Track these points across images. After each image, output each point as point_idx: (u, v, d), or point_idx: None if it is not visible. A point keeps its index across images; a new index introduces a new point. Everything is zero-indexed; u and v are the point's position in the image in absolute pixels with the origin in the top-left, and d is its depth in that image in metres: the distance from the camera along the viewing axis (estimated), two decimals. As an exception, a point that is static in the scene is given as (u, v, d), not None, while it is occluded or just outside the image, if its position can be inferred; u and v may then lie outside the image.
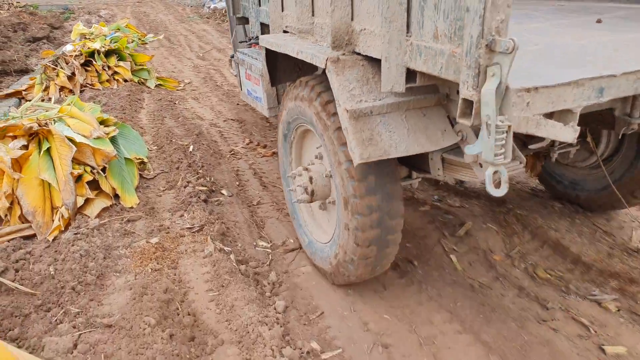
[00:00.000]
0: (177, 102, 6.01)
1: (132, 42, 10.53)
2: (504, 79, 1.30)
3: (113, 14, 15.02)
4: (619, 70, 1.51)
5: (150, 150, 4.27)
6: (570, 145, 2.75)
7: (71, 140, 3.22)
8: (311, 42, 2.25)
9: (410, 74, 1.69)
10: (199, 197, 3.36)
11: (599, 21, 2.32)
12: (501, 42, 1.27)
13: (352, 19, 1.94)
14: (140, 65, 7.03)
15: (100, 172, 3.24)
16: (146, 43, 11.11)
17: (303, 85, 2.34)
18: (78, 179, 3.11)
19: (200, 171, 3.77)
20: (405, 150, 1.83)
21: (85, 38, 9.70)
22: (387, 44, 1.66)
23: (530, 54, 1.80)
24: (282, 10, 2.66)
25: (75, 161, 3.23)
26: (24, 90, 6.36)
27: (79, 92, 6.17)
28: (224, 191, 3.61)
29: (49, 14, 14.15)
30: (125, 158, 3.60)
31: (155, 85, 6.81)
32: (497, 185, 1.44)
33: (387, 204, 2.13)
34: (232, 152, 4.42)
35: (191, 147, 4.28)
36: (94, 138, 3.38)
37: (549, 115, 1.53)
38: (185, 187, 3.50)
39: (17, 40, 10.77)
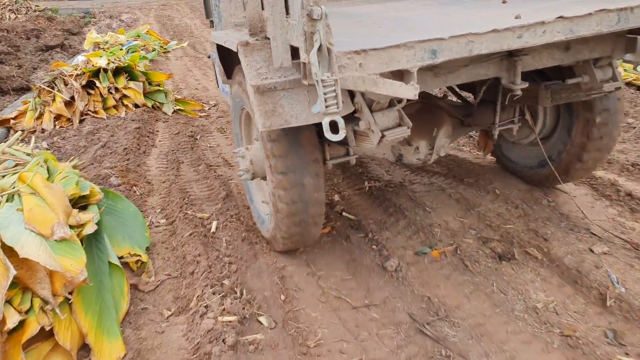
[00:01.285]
0: (199, 137, 4.70)
1: (152, 50, 9.37)
2: (324, 42, 1.48)
3: (135, 18, 13.94)
4: (447, 34, 1.63)
5: (157, 226, 2.97)
6: (512, 122, 2.95)
7: (11, 251, 1.92)
8: (243, 34, 2.34)
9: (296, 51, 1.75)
10: (224, 341, 2.03)
11: (504, 2, 2.46)
12: (315, 11, 1.46)
13: (262, 9, 2.07)
14: (156, 85, 5.77)
15: (58, 309, 1.92)
16: (168, 52, 9.91)
17: (238, 70, 2.50)
18: (13, 329, 1.80)
19: (227, 280, 2.43)
20: (305, 120, 1.95)
21: (99, 48, 8.56)
22: (273, 25, 1.79)
23: (384, 25, 2.06)
24: (230, 9, 2.83)
25: (21, 286, 1.94)
26: (12, 119, 5.16)
27: (78, 121, 4.94)
28: (262, 318, 2.25)
29: (68, 19, 13.14)
30: (110, 263, 2.29)
31: (174, 111, 5.53)
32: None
33: (308, 179, 2.28)
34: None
35: (214, 225, 2.95)
36: (56, 240, 2.08)
37: (398, 77, 1.71)
38: (202, 318, 2.16)
39: (28, 49, 9.72)
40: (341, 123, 1.58)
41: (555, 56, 2.20)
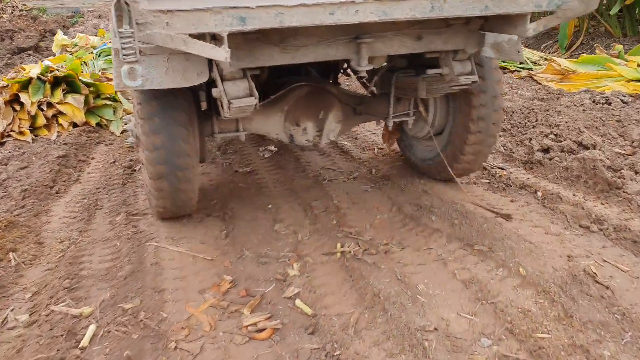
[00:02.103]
0: (138, 168, 3.72)
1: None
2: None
3: (127, 18, 13.06)
4: (255, 4, 1.67)
5: (11, 328, 1.97)
6: (407, 115, 3.05)
7: None
8: None
9: None
10: None
11: None
12: None
13: None
14: (107, 97, 4.80)
15: None
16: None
17: None
18: None
19: None
20: (159, 84, 1.98)
21: (66, 51, 7.64)
22: None
23: None
24: None
25: None
26: None
27: (-4, 146, 3.99)
28: None
29: (53, 19, 12.30)
30: None
31: (124, 130, 4.55)
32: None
33: (173, 143, 2.35)
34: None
35: (89, 333, 1.92)
36: None
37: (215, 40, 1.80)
38: None
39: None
40: (139, 70, 1.80)
41: (407, 44, 2.27)
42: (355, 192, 3.25)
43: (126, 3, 1.58)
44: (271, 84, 2.93)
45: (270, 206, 3.09)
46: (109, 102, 4.69)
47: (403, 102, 3.02)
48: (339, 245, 2.58)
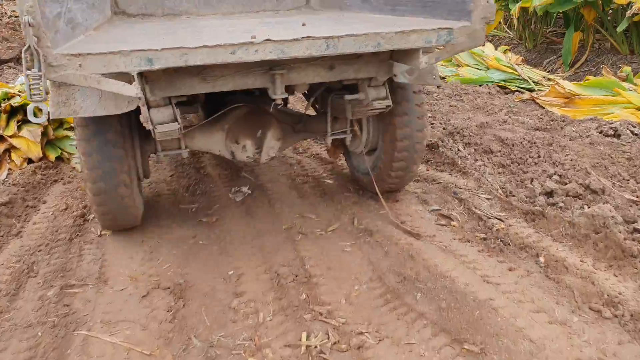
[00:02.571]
0: (93, 216, 3.32)
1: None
2: (32, 44, 1.65)
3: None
4: (161, 47, 1.82)
5: None
6: (344, 132, 3.19)
7: None
8: None
9: None
10: None
11: (304, 24, 2.45)
12: (26, 19, 1.62)
13: None
14: (71, 127, 4.39)
15: None
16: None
17: None
18: None
19: None
20: (93, 112, 2.24)
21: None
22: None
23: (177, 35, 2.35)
24: None
25: None
26: None
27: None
28: None
29: (39, 27, 11.90)
30: None
31: (85, 164, 4.13)
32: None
33: (109, 163, 2.57)
34: None
35: None
36: None
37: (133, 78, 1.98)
38: None
39: (-24, 65, 8.47)
40: (45, 109, 1.90)
41: (321, 74, 2.44)
42: (332, 253, 2.84)
43: (36, 50, 1.68)
44: (218, 103, 3.04)
45: (231, 272, 2.68)
46: (71, 134, 4.29)
47: (340, 121, 3.14)
48: (304, 335, 2.17)
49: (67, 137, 4.29)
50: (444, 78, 6.57)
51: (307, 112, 3.38)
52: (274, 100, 2.51)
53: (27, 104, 4.19)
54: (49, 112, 2.07)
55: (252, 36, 1.96)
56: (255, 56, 1.93)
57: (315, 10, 3.82)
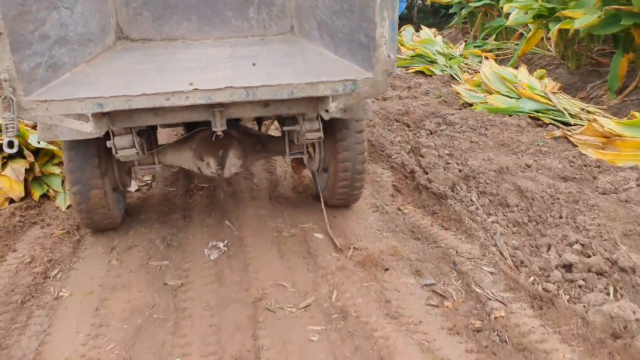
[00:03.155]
0: (56, 272, 3.09)
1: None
2: (8, 94, 2.12)
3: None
4: (108, 94, 2.27)
5: None
6: (301, 153, 3.59)
7: None
8: None
9: None
10: None
11: (254, 64, 2.90)
12: (2, 75, 2.08)
13: None
14: (59, 164, 4.22)
15: None
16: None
17: None
18: None
19: None
20: (70, 137, 2.86)
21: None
22: None
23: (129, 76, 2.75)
24: None
25: None
26: None
27: None
28: None
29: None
30: None
31: (69, 206, 3.94)
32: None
33: (87, 177, 3.13)
34: None
35: None
36: None
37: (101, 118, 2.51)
38: None
39: None
40: (15, 142, 2.22)
41: (257, 110, 2.81)
42: (295, 342, 2.48)
43: (11, 98, 2.12)
44: (190, 126, 3.57)
45: (177, 361, 2.37)
46: (57, 170, 4.11)
47: (298, 142, 3.39)
48: None
49: (53, 174, 4.12)
50: (471, 105, 6.05)
51: (267, 134, 3.84)
52: (216, 130, 2.79)
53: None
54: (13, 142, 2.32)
55: (190, 83, 2.35)
56: (186, 101, 2.31)
57: (293, 38, 4.27)
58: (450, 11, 10.60)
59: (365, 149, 3.44)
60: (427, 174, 4.31)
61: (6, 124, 2.16)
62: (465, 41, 10.21)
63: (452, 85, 6.71)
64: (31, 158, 4.02)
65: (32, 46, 2.37)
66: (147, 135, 3.22)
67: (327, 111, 2.66)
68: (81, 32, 3.19)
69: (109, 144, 2.81)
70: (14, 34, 2.20)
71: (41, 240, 3.47)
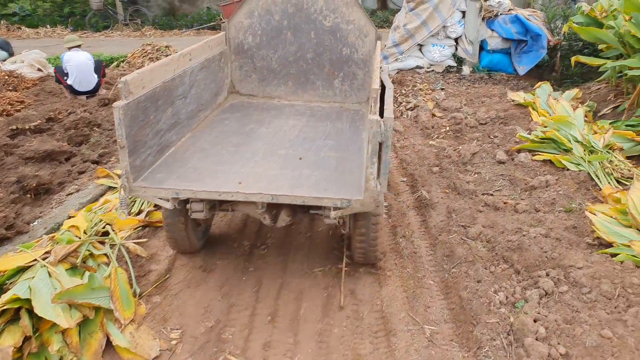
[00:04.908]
0: None
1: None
2: (124, 183, 3.38)
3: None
4: (182, 188, 3.41)
5: None
6: (335, 219, 3.92)
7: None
8: None
9: None
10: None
11: (300, 158, 4.02)
12: (121, 184, 3.39)
13: None
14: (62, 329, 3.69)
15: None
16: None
17: None
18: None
19: None
20: (162, 204, 3.69)
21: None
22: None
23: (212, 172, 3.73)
24: None
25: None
26: None
27: None
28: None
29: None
30: None
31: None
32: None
33: (176, 227, 4.30)
34: None
35: None
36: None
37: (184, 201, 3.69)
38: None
39: None
40: (126, 213, 3.70)
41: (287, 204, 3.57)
42: None
43: (125, 185, 3.37)
44: None
45: None
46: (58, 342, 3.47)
47: None
48: None
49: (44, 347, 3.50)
50: (609, 245, 4.57)
51: None
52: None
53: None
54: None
55: (239, 182, 3.50)
56: (231, 198, 3.39)
57: (366, 109, 5.23)
58: (601, 69, 8.71)
59: (378, 236, 4.06)
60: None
61: (122, 201, 3.37)
62: (617, 108, 8.29)
63: (586, 210, 5.20)
64: (28, 330, 3.49)
65: (146, 144, 3.42)
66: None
67: (328, 217, 3.54)
68: (192, 109, 4.22)
69: (187, 206, 3.75)
70: (133, 143, 3.21)
71: None
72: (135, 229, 5.14)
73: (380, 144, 3.06)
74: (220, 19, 19.71)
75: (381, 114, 3.35)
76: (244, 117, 4.90)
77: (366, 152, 3.12)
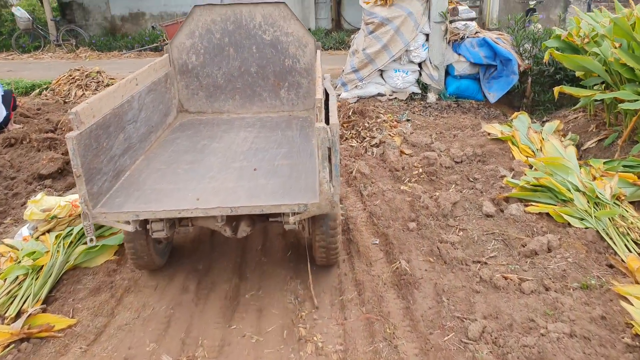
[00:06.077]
0: None
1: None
2: (86, 211, 3.29)
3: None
4: (141, 210, 3.37)
5: None
6: (294, 224, 3.92)
7: None
8: None
9: None
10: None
11: (255, 169, 4.02)
12: (81, 207, 3.31)
13: None
14: None
15: None
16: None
17: None
18: None
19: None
20: (124, 227, 3.61)
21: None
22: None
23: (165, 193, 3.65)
24: None
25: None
26: None
27: None
28: None
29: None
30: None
31: None
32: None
33: (136, 244, 4.16)
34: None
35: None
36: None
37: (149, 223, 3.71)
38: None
39: None
40: (94, 239, 3.43)
41: (247, 214, 3.61)
42: None
43: (85, 212, 3.30)
44: None
45: None
46: None
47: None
48: None
49: None
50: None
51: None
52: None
53: None
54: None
55: (197, 198, 3.48)
56: (191, 214, 3.39)
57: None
58: (583, 83, 7.83)
59: (337, 232, 4.06)
60: None
61: (86, 228, 3.34)
62: (602, 142, 7.40)
63: (613, 289, 4.07)
64: None
65: (101, 171, 3.48)
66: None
67: (287, 223, 3.62)
68: (143, 131, 4.30)
69: (148, 227, 3.76)
70: (89, 171, 3.27)
71: None
72: (7, 346, 3.59)
73: (329, 149, 3.18)
74: (164, 40, 18.13)
75: (327, 121, 3.40)
76: (195, 135, 4.93)
77: (317, 158, 3.26)
